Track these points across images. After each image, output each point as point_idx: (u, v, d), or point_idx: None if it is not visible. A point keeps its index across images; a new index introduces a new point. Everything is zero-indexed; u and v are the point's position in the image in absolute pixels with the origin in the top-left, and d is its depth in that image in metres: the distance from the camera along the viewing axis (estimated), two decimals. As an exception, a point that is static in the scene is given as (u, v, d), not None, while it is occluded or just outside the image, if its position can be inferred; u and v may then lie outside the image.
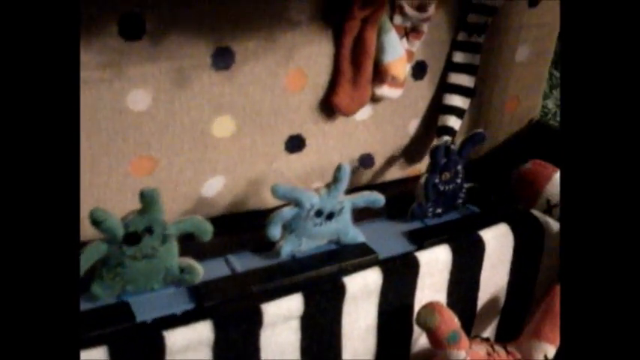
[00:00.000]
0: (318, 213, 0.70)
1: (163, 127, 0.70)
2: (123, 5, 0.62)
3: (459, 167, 0.82)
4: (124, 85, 0.66)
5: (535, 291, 0.85)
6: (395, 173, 0.92)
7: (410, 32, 0.80)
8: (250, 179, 0.79)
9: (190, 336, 0.58)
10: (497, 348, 0.74)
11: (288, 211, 0.69)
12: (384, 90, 0.81)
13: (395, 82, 0.80)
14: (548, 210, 0.82)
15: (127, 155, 0.70)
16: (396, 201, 0.82)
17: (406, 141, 0.90)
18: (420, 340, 0.76)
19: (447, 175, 0.81)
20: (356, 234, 0.76)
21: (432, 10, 0.79)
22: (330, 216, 0.72)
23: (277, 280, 0.68)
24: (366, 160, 0.88)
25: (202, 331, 0.59)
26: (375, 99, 0.83)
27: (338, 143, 0.84)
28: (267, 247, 0.73)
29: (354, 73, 0.78)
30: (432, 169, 0.80)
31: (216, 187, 0.77)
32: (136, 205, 0.73)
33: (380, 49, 0.78)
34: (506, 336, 0.82)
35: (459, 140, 0.86)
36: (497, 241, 0.79)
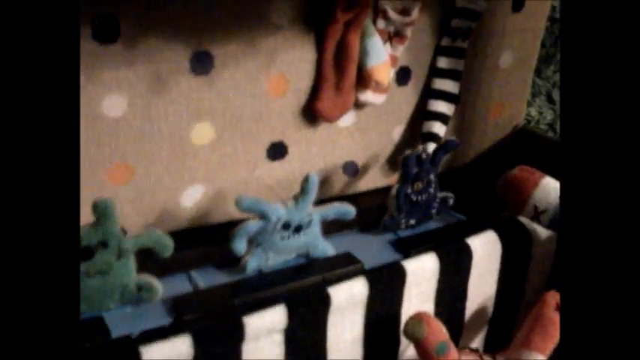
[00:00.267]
0: (286, 226, 0.67)
1: (140, 133, 0.68)
2: (96, 7, 0.60)
3: (432, 176, 0.79)
4: (99, 90, 0.63)
5: (524, 299, 0.84)
6: (379, 181, 0.90)
7: (393, 37, 0.79)
8: (231, 188, 0.76)
9: (168, 352, 0.55)
10: (487, 358, 0.72)
11: (253, 224, 0.66)
12: (368, 95, 0.79)
13: (379, 88, 0.79)
14: (536, 216, 0.80)
15: (102, 163, 0.67)
16: (380, 209, 0.80)
17: (390, 148, 0.89)
18: (408, 352, 0.74)
19: (419, 185, 0.78)
20: (326, 247, 0.73)
21: (415, 14, 0.78)
22: (299, 229, 0.69)
23: (259, 292, 0.65)
24: (349, 168, 0.86)
25: (181, 347, 0.56)
26: (358, 105, 0.81)
27: (321, 150, 0.82)
28: (235, 261, 0.69)
29: (337, 79, 0.76)
30: (404, 179, 0.77)
31: (195, 196, 0.74)
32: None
33: (363, 54, 0.76)
34: (495, 346, 0.80)
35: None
36: (485, 249, 0.78)
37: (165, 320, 0.61)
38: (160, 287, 0.62)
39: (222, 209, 0.77)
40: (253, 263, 0.68)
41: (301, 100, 0.77)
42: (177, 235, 0.63)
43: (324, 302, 0.65)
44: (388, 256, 0.75)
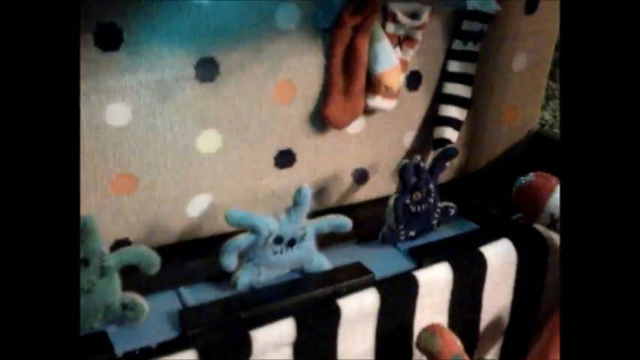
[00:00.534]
0: (278, 240, 0.65)
1: (144, 143, 0.66)
2: (99, 14, 0.59)
3: (432, 186, 0.76)
4: (102, 98, 0.62)
5: (540, 309, 0.81)
6: (391, 188, 0.88)
7: (403, 41, 0.77)
8: (238, 197, 0.75)
9: (173, 367, 0.54)
10: (503, 372, 0.70)
11: (243, 239, 0.63)
12: (378, 101, 0.78)
13: (389, 93, 0.77)
14: (552, 224, 0.78)
15: (106, 173, 0.66)
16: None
17: (401, 154, 0.87)
18: (421, 365, 0.72)
19: (418, 195, 0.75)
20: (321, 261, 0.70)
21: (425, 17, 0.76)
22: (292, 243, 0.66)
23: (267, 305, 0.64)
24: (360, 175, 0.84)
25: (186, 362, 0.54)
26: (368, 111, 0.79)
27: (330, 158, 0.80)
28: (228, 276, 0.66)
29: (346, 84, 0.74)
30: (402, 189, 0.74)
31: (201, 206, 0.73)
32: (117, 226, 0.69)
33: (372, 59, 0.74)
34: (511, 358, 0.78)
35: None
36: (500, 258, 0.75)
37: (170, 334, 0.59)
38: (146, 306, 0.60)
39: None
40: (244, 279, 0.65)
41: (309, 106, 0.75)
42: (176, 248, 0.61)
43: (334, 314, 0.63)
44: (400, 266, 0.73)
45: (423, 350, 0.65)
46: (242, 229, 0.63)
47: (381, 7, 0.74)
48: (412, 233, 0.77)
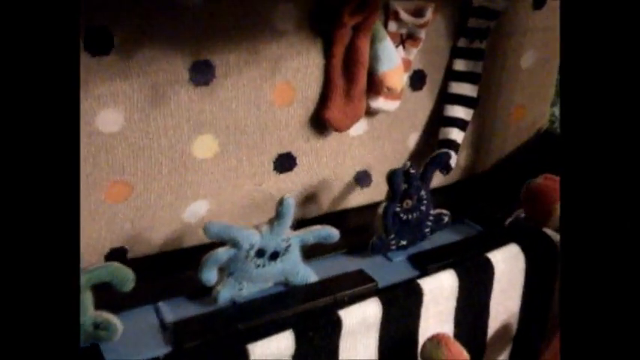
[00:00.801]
0: (260, 253, 0.62)
1: (138, 149, 0.64)
2: (88, 17, 0.57)
3: (423, 193, 0.73)
4: (93, 104, 0.60)
5: (550, 316, 0.79)
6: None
7: (406, 39, 0.74)
8: (237, 202, 0.73)
9: (167, 383, 0.52)
10: (511, 382, 0.68)
11: (223, 252, 0.60)
12: (380, 102, 0.75)
13: (391, 94, 0.75)
14: (562, 228, 0.75)
15: (100, 181, 0.64)
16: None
17: (405, 156, 0.84)
18: (426, 376, 0.70)
19: (408, 203, 0.71)
20: (307, 273, 0.67)
21: (429, 15, 0.74)
22: (275, 255, 0.63)
23: (265, 316, 0.62)
24: (362, 178, 0.82)
25: (180, 378, 0.52)
26: (370, 112, 0.77)
27: (331, 161, 0.78)
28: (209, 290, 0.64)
29: (346, 86, 0.72)
30: (391, 196, 0.70)
31: (199, 213, 0.71)
32: (112, 234, 0.67)
33: (374, 59, 0.72)
34: (520, 366, 0.76)
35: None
36: (508, 264, 0.73)
37: (164, 349, 0.58)
38: (119, 325, 0.57)
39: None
40: (225, 294, 0.63)
41: (309, 108, 0.73)
42: (172, 255, 0.59)
43: (335, 326, 0.61)
44: (403, 273, 0.71)
45: (428, 361, 0.63)
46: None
47: (383, 5, 0.71)
48: (404, 242, 0.74)
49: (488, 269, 0.71)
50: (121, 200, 0.66)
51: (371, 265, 0.71)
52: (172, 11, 0.60)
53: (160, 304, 0.63)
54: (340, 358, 0.62)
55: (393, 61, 0.73)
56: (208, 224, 0.59)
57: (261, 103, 0.69)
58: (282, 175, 0.75)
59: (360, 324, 0.62)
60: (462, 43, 0.80)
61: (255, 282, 0.64)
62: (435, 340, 0.63)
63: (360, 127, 0.78)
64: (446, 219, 0.77)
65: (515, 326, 0.77)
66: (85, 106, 0.60)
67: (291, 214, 0.62)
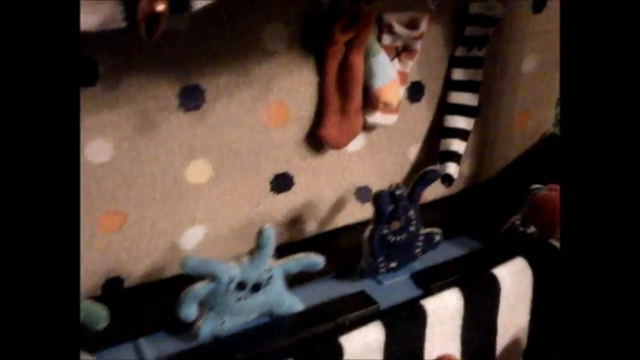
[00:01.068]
0: (241, 285, 0.60)
1: (130, 177, 0.63)
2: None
3: (412, 213, 0.69)
4: (81, 135, 0.59)
5: (560, 330, 0.77)
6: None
7: (401, 52, 0.73)
8: (234, 226, 0.71)
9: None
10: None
11: (202, 287, 0.58)
12: (377, 117, 0.73)
13: (388, 109, 0.73)
14: (569, 239, 0.73)
15: (92, 212, 0.63)
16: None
17: (407, 169, 0.82)
18: (433, 398, 0.68)
19: (396, 224, 0.68)
20: (293, 303, 0.65)
21: (424, 26, 0.72)
22: (257, 287, 0.61)
23: (264, 345, 0.60)
24: (363, 194, 0.80)
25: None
26: (368, 127, 0.75)
27: (330, 178, 0.76)
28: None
29: (341, 103, 0.70)
30: (377, 219, 0.67)
31: (196, 238, 0.70)
32: (108, 264, 0.66)
33: (369, 74, 0.70)
34: (530, 382, 0.74)
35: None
36: (514, 279, 0.71)
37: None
38: None
39: (227, 248, 0.71)
40: (207, 329, 0.61)
41: (304, 127, 0.71)
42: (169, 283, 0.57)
43: (336, 353, 0.59)
44: (405, 292, 0.69)
45: (434, 384, 0.61)
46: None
47: (376, 18, 0.70)
48: (393, 265, 0.71)
49: (494, 286, 0.69)
50: (115, 230, 0.65)
51: (372, 283, 0.69)
52: (158, 37, 0.59)
53: (141, 340, 0.62)
54: (342, 386, 0.61)
55: (389, 76, 0.71)
56: (184, 259, 0.57)
57: (255, 124, 0.68)
58: (280, 196, 0.73)
59: (363, 349, 0.61)
60: (459, 52, 0.78)
61: (238, 315, 0.62)
62: (441, 362, 0.62)
63: (358, 143, 0.76)
64: (437, 238, 0.74)
65: (524, 341, 0.75)
66: (72, 138, 0.58)
67: (271, 244, 0.60)
